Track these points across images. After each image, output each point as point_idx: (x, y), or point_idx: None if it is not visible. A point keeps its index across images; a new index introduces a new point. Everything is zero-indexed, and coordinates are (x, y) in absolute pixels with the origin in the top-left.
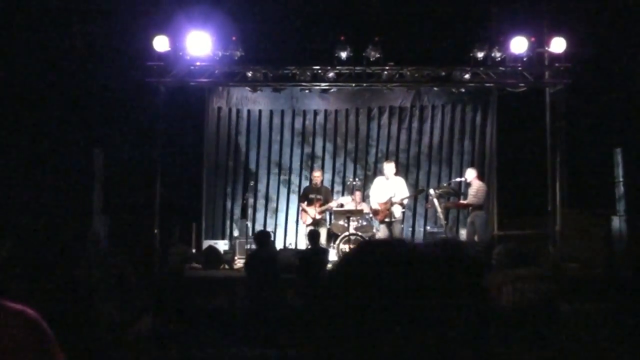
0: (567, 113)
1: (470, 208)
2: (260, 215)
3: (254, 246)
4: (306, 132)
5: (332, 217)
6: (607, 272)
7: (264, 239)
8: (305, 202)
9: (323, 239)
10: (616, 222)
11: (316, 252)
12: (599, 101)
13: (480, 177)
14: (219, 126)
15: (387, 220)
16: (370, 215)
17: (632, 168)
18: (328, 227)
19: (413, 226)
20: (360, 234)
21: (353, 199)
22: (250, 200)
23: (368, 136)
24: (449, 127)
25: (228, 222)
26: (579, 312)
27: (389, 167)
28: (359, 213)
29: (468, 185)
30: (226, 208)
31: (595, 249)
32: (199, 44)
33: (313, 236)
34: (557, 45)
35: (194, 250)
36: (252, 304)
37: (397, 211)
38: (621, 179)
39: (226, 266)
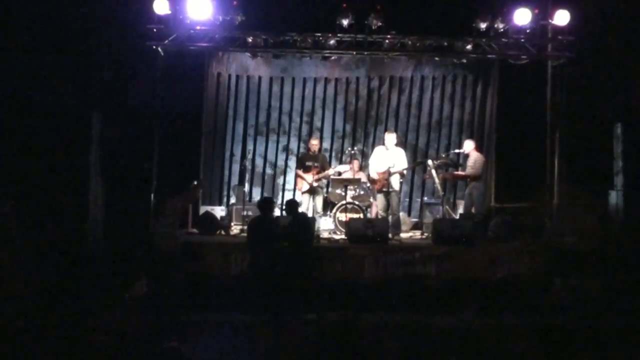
0: (569, 87)
1: (468, 179)
2: (257, 182)
3: (250, 213)
4: (305, 100)
5: (330, 185)
6: (604, 246)
7: (266, 206)
8: (302, 170)
9: (319, 207)
10: (613, 197)
11: (295, 221)
12: (601, 76)
13: (479, 148)
14: (219, 92)
15: (384, 190)
16: (368, 184)
17: (631, 143)
18: (325, 195)
19: (410, 197)
20: (357, 203)
21: (351, 168)
22: (248, 167)
23: (368, 105)
24: (449, 98)
25: (225, 189)
26: (572, 285)
27: (390, 138)
28: (356, 182)
29: (466, 156)
30: (224, 174)
31: (592, 223)
32: (199, 7)
33: (289, 206)
34: (561, 17)
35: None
36: (250, 270)
37: (395, 182)
38: (620, 154)
39: (222, 232)
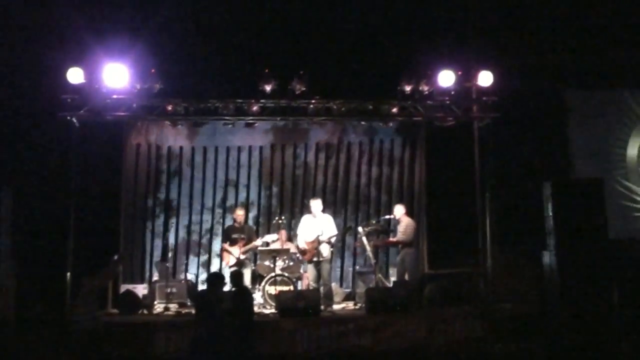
0: (496, 147)
1: (400, 246)
2: (181, 257)
3: (174, 290)
4: (229, 169)
5: (258, 257)
6: (540, 309)
7: (216, 281)
8: (228, 243)
9: (248, 281)
10: (547, 257)
11: (240, 294)
12: (527, 135)
13: (409, 213)
14: (138, 163)
15: (314, 259)
16: (298, 255)
17: (561, 202)
18: (253, 267)
19: (342, 265)
20: (287, 274)
21: (279, 238)
22: (171, 241)
23: (294, 173)
24: (377, 162)
25: (147, 265)
26: (510, 351)
27: (316, 204)
28: (285, 253)
29: (397, 222)
30: (145, 250)
31: (527, 286)
32: (115, 76)
33: (235, 277)
34: (484, 79)
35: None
36: (193, 345)
37: (325, 250)
38: (550, 213)
39: (145, 311)
